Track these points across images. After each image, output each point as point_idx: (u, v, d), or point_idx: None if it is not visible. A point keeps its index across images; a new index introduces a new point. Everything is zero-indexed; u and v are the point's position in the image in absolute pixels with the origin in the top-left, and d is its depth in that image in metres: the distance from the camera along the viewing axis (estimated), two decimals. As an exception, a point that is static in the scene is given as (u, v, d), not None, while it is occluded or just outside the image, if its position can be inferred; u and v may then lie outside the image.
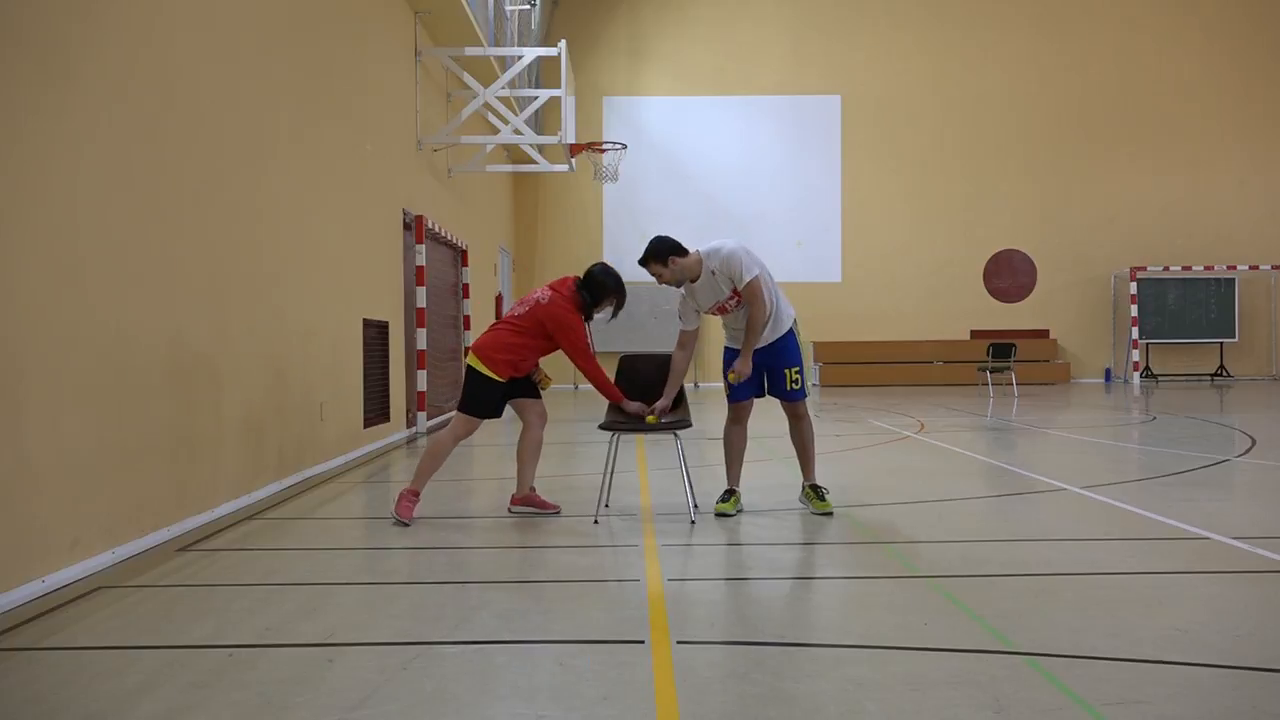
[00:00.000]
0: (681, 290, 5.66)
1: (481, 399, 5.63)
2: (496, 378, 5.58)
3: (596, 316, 5.81)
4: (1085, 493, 6.36)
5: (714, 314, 5.69)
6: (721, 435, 5.89)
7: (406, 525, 5.44)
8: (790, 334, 5.67)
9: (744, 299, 5.48)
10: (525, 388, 5.80)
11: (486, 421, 5.77)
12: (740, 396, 5.71)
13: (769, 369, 5.65)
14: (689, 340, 5.72)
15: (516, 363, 5.62)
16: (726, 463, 5.84)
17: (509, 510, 5.81)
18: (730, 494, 5.75)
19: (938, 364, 20.23)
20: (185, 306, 5.42)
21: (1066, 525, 5.51)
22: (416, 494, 5.57)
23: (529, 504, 5.79)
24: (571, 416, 13.30)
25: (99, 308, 4.56)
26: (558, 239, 20.54)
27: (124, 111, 4.81)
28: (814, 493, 5.71)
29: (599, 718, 2.77)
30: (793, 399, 5.68)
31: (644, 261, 5.59)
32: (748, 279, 5.42)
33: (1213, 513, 5.68)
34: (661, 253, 5.55)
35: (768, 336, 5.58)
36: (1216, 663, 3.15)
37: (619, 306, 5.78)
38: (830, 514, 5.59)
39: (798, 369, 5.64)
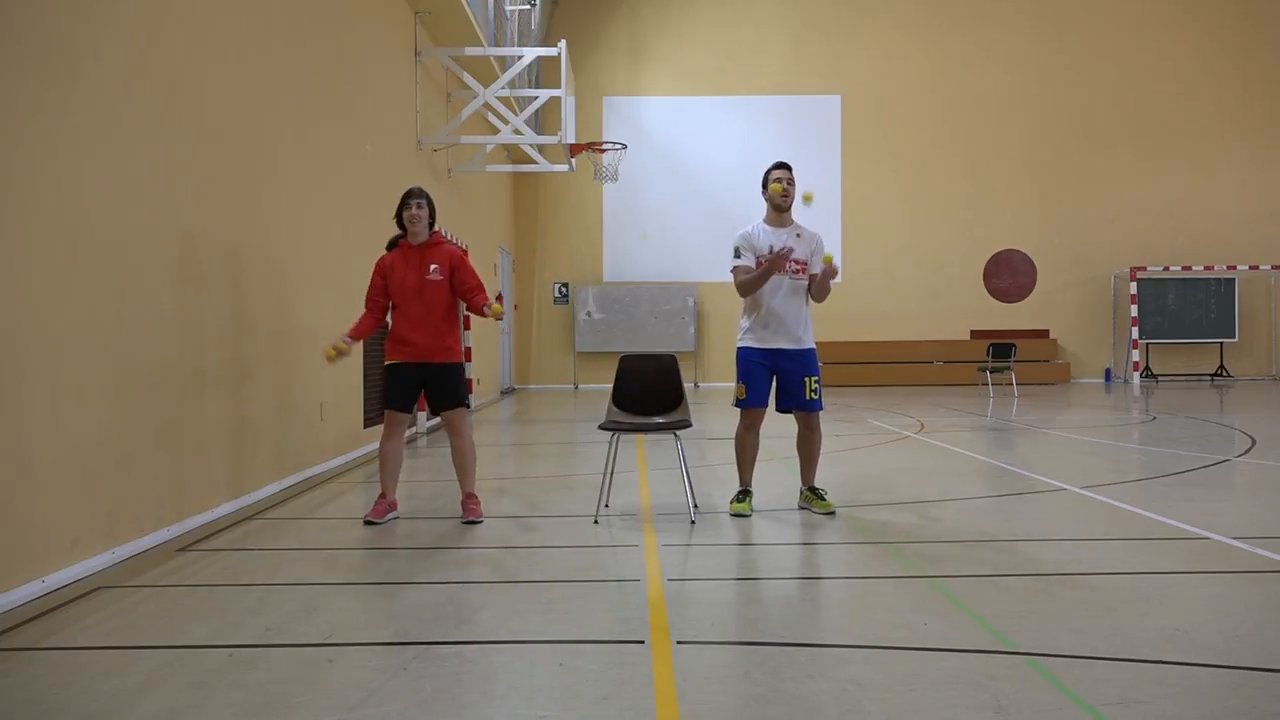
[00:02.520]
0: (755, 229, 5.81)
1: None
2: (390, 363, 5.74)
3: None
4: (1085, 493, 6.36)
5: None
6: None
7: (376, 524, 5.53)
8: (815, 349, 5.80)
9: (814, 282, 5.76)
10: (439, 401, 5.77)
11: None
12: (754, 403, 5.73)
13: (790, 374, 5.69)
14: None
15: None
16: (739, 466, 5.87)
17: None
18: (745, 494, 5.80)
19: (938, 364, 20.23)
20: (186, 306, 5.42)
21: (1066, 525, 5.51)
22: (383, 497, 5.70)
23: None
24: (572, 416, 13.30)
25: (100, 307, 4.56)
26: (558, 239, 20.53)
27: (128, 112, 4.82)
28: (814, 494, 5.78)
29: (599, 718, 2.77)
30: (811, 409, 5.72)
31: (783, 164, 5.80)
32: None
33: (1213, 513, 5.69)
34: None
35: (800, 343, 5.70)
36: (1216, 663, 3.15)
37: (399, 210, 5.73)
38: (833, 513, 5.64)
39: (817, 379, 5.73)
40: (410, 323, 5.62)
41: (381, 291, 5.72)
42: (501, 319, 5.65)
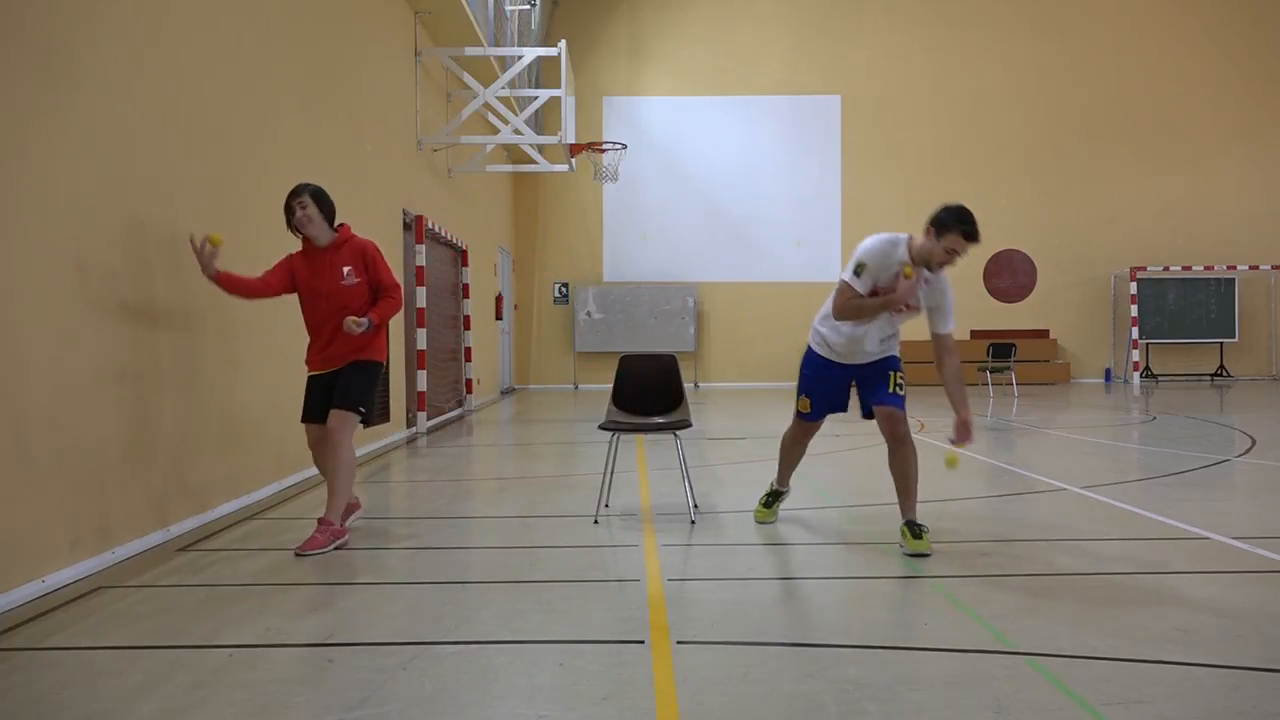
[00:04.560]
0: (872, 260, 4.90)
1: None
2: (311, 373, 5.22)
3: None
4: (1085, 493, 6.36)
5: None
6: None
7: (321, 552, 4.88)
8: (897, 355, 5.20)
9: (941, 344, 5.02)
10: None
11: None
12: (815, 418, 5.28)
13: (869, 379, 5.07)
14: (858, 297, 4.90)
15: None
16: (780, 464, 5.50)
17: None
18: (775, 497, 5.50)
19: (938, 364, 20.20)
20: (187, 305, 5.42)
21: (1066, 525, 5.51)
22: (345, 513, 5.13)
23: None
24: (572, 416, 13.29)
25: (100, 307, 4.55)
26: (558, 239, 20.53)
27: (128, 112, 4.82)
28: (910, 530, 4.77)
29: (599, 718, 2.77)
30: (894, 403, 4.94)
31: (974, 236, 4.84)
32: (952, 328, 5.02)
33: (1213, 513, 5.69)
34: None
35: (884, 351, 5.11)
36: (1216, 663, 3.15)
37: (287, 217, 5.06)
38: (928, 554, 4.66)
39: (901, 373, 5.08)
40: (330, 331, 5.06)
41: (280, 277, 5.05)
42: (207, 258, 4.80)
